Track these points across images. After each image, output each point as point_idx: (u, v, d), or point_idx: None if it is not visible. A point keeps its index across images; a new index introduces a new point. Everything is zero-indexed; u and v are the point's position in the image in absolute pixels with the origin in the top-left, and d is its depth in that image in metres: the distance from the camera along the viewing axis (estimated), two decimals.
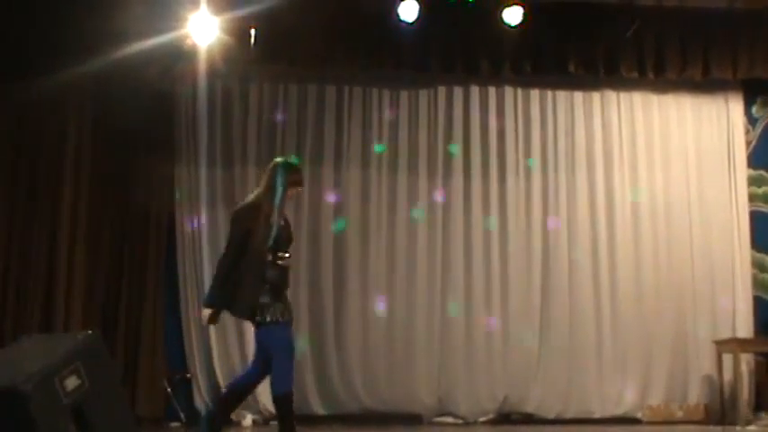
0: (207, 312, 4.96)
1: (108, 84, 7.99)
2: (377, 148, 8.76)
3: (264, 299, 4.86)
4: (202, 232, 8.43)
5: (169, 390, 8.00)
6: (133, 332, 8.08)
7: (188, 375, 8.19)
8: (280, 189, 5.03)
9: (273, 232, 4.93)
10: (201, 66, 8.07)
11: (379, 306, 8.52)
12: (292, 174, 5.14)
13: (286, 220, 5.13)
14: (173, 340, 8.25)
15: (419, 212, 8.69)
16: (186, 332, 8.30)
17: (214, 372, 8.19)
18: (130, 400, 7.61)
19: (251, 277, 4.88)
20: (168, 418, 7.99)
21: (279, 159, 5.27)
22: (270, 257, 4.91)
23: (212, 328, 8.22)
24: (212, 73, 8.26)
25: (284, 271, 5.00)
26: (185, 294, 8.34)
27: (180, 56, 8.05)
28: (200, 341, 8.26)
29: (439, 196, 8.72)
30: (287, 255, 5.01)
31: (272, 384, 4.89)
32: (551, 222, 8.77)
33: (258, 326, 4.90)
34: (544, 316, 8.56)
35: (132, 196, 8.30)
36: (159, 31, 7.77)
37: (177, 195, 8.50)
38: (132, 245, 8.28)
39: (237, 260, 4.92)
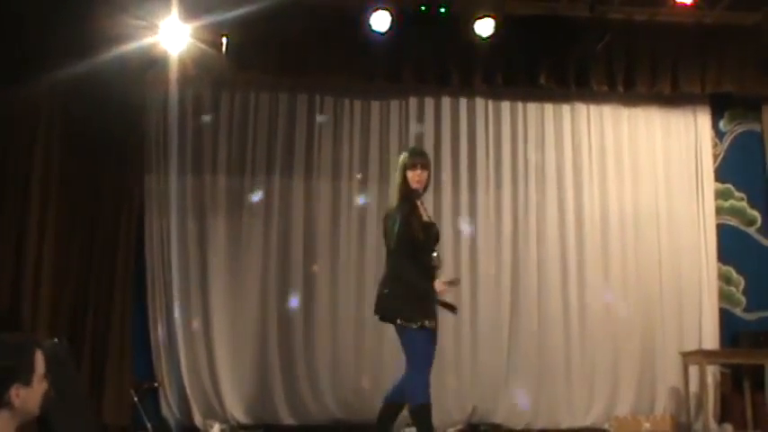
0: None
1: (78, 91, 7.91)
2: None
3: None
4: (172, 241, 8.38)
5: (136, 399, 7.93)
6: (100, 340, 7.97)
7: (155, 384, 8.12)
8: (397, 179, 5.24)
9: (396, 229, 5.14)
10: (172, 73, 8.03)
11: (349, 318, 8.50)
12: (406, 159, 5.27)
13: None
14: (140, 349, 8.18)
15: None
16: (154, 341, 8.24)
17: (182, 381, 8.14)
18: (97, 408, 7.54)
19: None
20: (135, 427, 7.92)
21: None
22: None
23: (180, 338, 8.21)
24: (183, 80, 8.22)
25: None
26: (153, 304, 8.28)
27: (150, 63, 8.00)
28: (167, 350, 8.20)
29: None
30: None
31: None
32: (520, 234, 8.81)
33: None
34: (513, 327, 8.59)
35: (101, 203, 8.21)
36: (129, 38, 7.72)
37: (147, 203, 8.44)
38: (101, 253, 8.16)
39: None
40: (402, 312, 5.15)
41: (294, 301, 8.49)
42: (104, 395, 7.82)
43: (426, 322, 5.13)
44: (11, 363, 2.65)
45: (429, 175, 5.44)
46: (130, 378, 8.01)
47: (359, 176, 8.71)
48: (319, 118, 8.74)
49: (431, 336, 5.22)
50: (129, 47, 7.69)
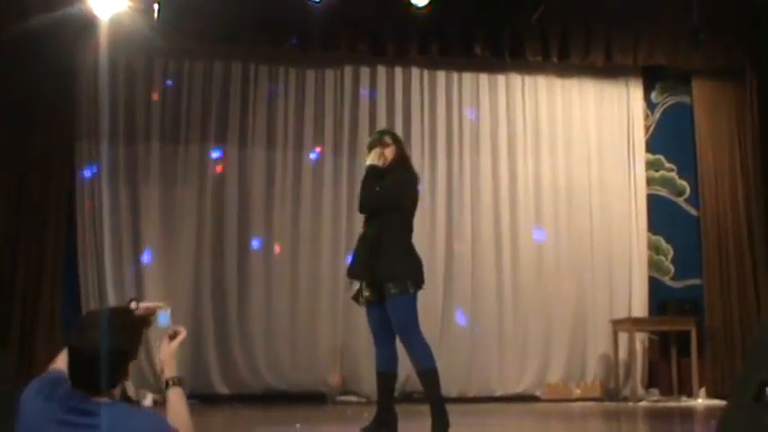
0: None
1: (7, 57, 7.74)
2: None
3: None
4: (104, 211, 8.27)
5: None
6: (30, 314, 7.85)
7: None
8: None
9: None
10: (104, 40, 7.88)
11: (284, 288, 8.51)
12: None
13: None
14: (72, 322, 8.04)
15: (325, 193, 8.70)
16: (85, 308, 8.12)
17: None
18: (25, 385, 7.43)
19: None
20: None
21: None
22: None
23: None
24: (115, 48, 8.06)
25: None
26: (85, 278, 8.18)
27: (82, 29, 7.86)
28: None
29: (344, 178, 8.72)
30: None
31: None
32: (455, 203, 8.88)
33: None
34: (447, 296, 8.67)
35: (30, 172, 8.06)
36: (60, 5, 7.59)
37: (78, 172, 8.32)
38: (29, 223, 8.01)
39: None
40: (399, 277, 5.10)
41: (228, 272, 8.45)
42: (33, 370, 7.71)
43: (418, 287, 5.17)
44: None
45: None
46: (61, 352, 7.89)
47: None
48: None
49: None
50: (60, 13, 7.53)
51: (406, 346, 5.14)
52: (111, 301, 8.11)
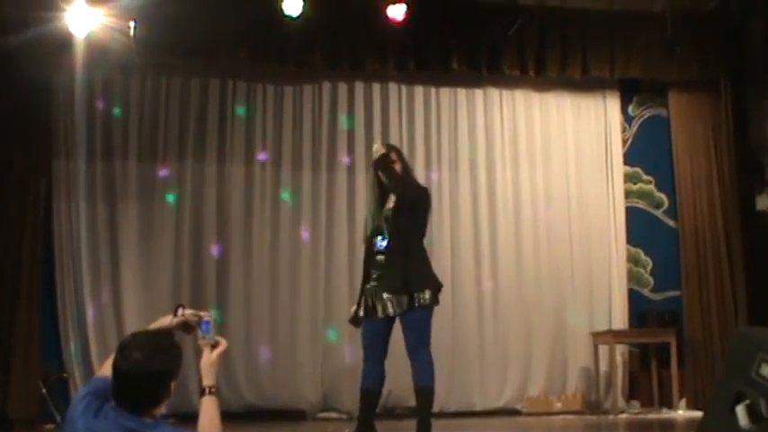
0: None
1: None
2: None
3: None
4: (81, 227, 8.22)
5: (44, 390, 7.77)
6: (6, 330, 7.77)
7: (64, 375, 7.97)
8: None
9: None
10: (80, 57, 7.86)
11: (263, 304, 8.47)
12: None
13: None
14: (49, 339, 8.02)
15: (304, 208, 8.68)
16: (63, 331, 8.08)
17: (92, 372, 8.00)
18: (2, 402, 7.39)
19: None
20: (43, 419, 7.75)
21: None
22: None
23: (90, 327, 8.09)
24: (91, 64, 8.04)
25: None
26: (62, 292, 8.12)
27: (57, 47, 7.81)
28: (77, 341, 8.06)
29: (323, 192, 8.72)
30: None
31: None
32: (434, 217, 8.84)
33: None
34: None
35: (5, 188, 8.00)
36: (36, 21, 7.56)
37: (55, 189, 8.25)
38: (6, 239, 7.96)
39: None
40: (431, 288, 5.25)
41: (207, 289, 8.42)
42: (10, 388, 7.65)
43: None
44: None
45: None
46: (39, 369, 7.85)
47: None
48: None
49: None
50: (36, 30, 7.51)
51: (416, 360, 5.27)
52: (90, 322, 8.07)
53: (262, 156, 8.71)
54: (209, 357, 3.07)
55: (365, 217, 5.77)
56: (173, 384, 2.86)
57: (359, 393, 5.45)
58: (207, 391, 3.02)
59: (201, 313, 3.16)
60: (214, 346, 3.09)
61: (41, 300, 8.04)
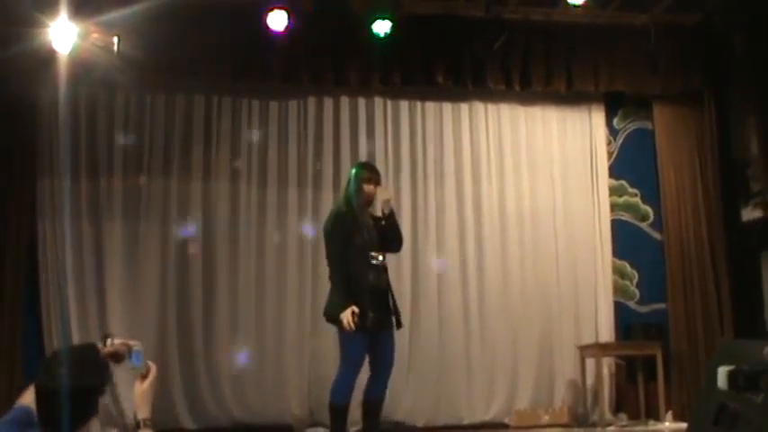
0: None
1: None
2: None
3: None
4: (66, 246, 8.17)
5: None
6: None
7: None
8: (353, 190, 5.80)
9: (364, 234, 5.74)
10: (63, 74, 7.83)
11: (249, 318, 8.45)
12: (362, 172, 5.88)
13: (377, 221, 5.89)
14: (33, 360, 7.95)
15: (290, 225, 8.66)
16: (48, 347, 8.02)
17: None
18: None
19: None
20: None
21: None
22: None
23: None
24: (75, 81, 8.03)
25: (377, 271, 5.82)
26: (47, 311, 8.07)
27: (41, 64, 7.80)
28: None
29: (309, 209, 8.70)
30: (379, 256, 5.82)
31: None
32: (420, 232, 8.87)
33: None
34: (414, 324, 8.61)
35: None
36: (19, 38, 7.56)
37: (39, 207, 8.22)
38: None
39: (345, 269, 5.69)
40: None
41: (194, 304, 8.39)
42: None
43: None
44: None
45: None
46: (22, 386, 7.75)
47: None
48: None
49: None
50: (19, 47, 7.51)
51: (388, 375, 5.89)
52: (76, 339, 8.01)
53: (246, 172, 8.70)
54: (140, 388, 2.96)
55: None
56: (100, 400, 2.76)
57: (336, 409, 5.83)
58: (141, 424, 2.91)
59: (131, 342, 3.05)
60: (144, 375, 3.01)
61: (24, 318, 7.98)
